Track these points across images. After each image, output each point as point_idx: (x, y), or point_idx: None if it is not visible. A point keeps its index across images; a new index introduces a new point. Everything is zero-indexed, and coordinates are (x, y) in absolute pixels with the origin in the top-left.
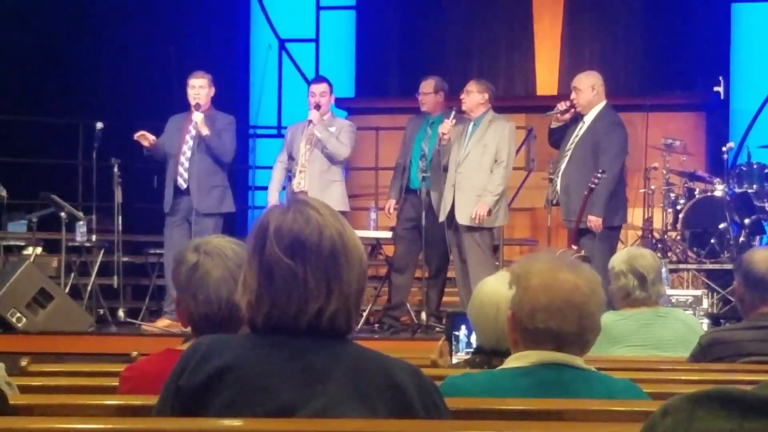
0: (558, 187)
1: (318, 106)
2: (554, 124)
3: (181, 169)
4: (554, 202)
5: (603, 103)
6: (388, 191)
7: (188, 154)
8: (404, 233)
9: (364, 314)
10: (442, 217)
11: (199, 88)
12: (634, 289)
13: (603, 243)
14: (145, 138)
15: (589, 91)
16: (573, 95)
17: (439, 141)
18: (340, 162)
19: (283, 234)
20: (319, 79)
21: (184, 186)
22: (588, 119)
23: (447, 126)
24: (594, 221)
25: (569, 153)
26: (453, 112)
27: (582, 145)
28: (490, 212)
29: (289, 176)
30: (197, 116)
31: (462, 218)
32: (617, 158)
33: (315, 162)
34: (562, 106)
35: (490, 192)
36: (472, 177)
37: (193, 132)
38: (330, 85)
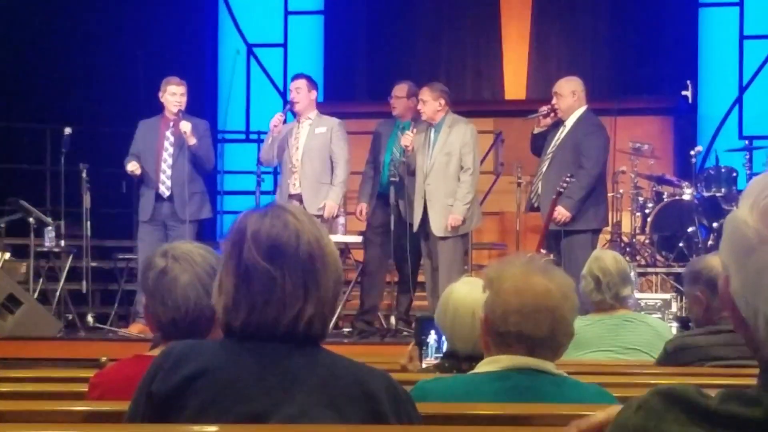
0: (539, 191)
1: (293, 103)
2: (536, 130)
3: (163, 177)
4: (535, 205)
5: (584, 108)
6: (357, 195)
7: (169, 161)
8: (375, 238)
9: (333, 318)
10: (414, 227)
11: (180, 96)
12: (591, 292)
13: (581, 246)
14: (136, 170)
15: (570, 96)
16: (554, 100)
17: (404, 152)
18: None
19: (260, 238)
20: (296, 75)
21: (167, 193)
22: (569, 123)
23: (409, 138)
24: (560, 212)
25: (550, 156)
26: (412, 124)
27: (563, 148)
28: (463, 221)
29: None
30: (185, 126)
31: (436, 229)
32: (597, 160)
33: (308, 164)
34: (544, 109)
35: (460, 201)
36: (440, 187)
37: (172, 138)
38: (310, 81)
